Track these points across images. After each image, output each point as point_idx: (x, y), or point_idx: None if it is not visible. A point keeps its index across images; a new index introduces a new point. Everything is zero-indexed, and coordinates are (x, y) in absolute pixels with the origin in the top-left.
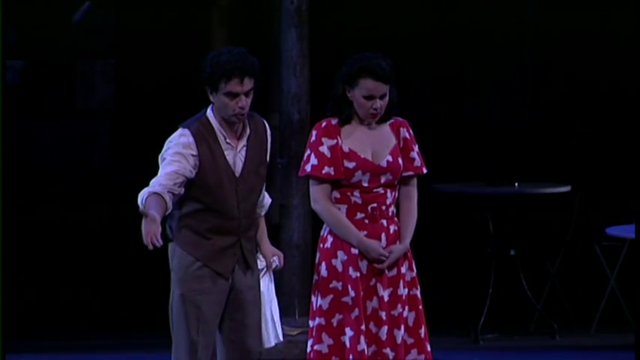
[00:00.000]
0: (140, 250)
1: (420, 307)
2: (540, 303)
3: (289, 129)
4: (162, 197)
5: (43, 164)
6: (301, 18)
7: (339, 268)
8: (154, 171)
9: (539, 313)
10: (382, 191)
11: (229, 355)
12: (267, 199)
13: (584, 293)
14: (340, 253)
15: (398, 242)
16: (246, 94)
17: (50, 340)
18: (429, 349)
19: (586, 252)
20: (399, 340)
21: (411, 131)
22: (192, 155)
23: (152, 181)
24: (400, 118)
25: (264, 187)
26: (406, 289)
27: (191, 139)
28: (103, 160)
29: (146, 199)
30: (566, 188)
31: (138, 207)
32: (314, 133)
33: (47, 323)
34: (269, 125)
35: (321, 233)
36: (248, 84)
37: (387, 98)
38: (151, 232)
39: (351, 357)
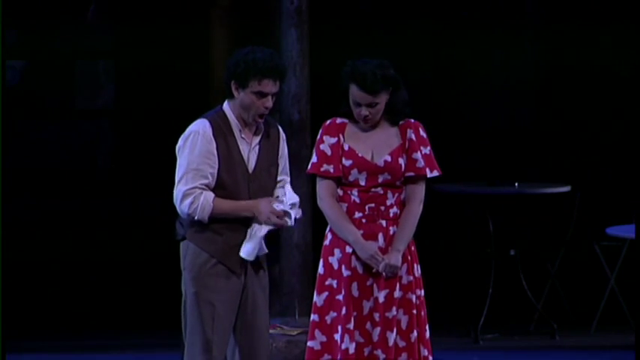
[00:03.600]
0: (140, 249)
1: (414, 311)
2: (540, 303)
3: (289, 129)
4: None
5: (43, 164)
6: (301, 18)
7: (335, 266)
8: (153, 171)
9: (539, 313)
10: (381, 191)
11: (238, 357)
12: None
13: (584, 293)
14: (337, 251)
15: (390, 248)
16: (273, 96)
17: (50, 340)
18: (424, 353)
19: (586, 252)
20: (390, 343)
21: (421, 133)
22: (213, 154)
23: (187, 186)
24: (412, 120)
25: (275, 188)
26: (401, 292)
27: (209, 128)
28: (103, 159)
29: (213, 206)
30: (566, 188)
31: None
32: (320, 131)
33: (47, 323)
34: (283, 132)
35: (326, 230)
36: (278, 86)
37: (378, 106)
38: (272, 212)
39: (339, 356)
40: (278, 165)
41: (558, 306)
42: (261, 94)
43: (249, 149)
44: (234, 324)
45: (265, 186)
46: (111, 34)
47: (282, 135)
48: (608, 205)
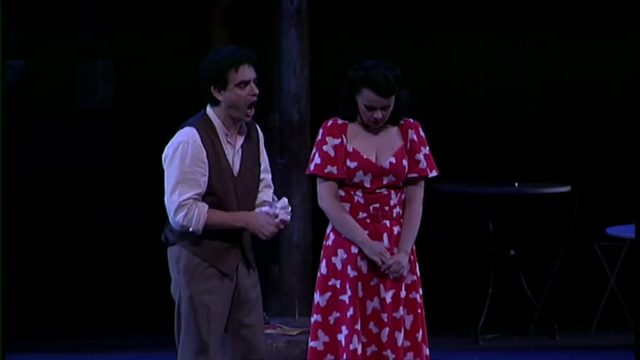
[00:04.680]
0: (140, 249)
1: (419, 310)
2: (540, 303)
3: (289, 129)
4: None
5: (42, 164)
6: (301, 18)
7: (339, 267)
8: (153, 171)
9: (539, 313)
10: (385, 192)
11: (235, 356)
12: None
13: (584, 293)
14: (340, 252)
15: (396, 249)
16: (255, 82)
17: (50, 340)
18: (426, 352)
19: (586, 252)
20: (399, 343)
21: (421, 133)
22: (204, 162)
23: (181, 197)
24: (412, 120)
25: (259, 188)
26: (405, 292)
27: (198, 137)
28: (103, 160)
29: (208, 217)
30: (566, 188)
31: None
32: (320, 131)
33: (47, 323)
34: (259, 126)
35: (326, 231)
36: (254, 71)
37: (390, 108)
38: (266, 225)
39: (344, 356)
40: (260, 164)
41: (558, 306)
42: (244, 83)
43: (233, 152)
44: (229, 324)
45: (250, 187)
46: (111, 34)
47: (261, 134)
48: (608, 205)
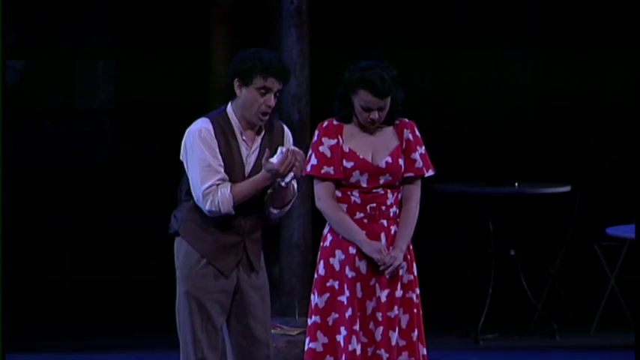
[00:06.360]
0: (140, 249)
1: (415, 310)
2: (540, 303)
3: (289, 129)
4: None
5: (43, 164)
6: (301, 18)
7: (337, 267)
8: (153, 170)
9: (539, 313)
10: (382, 192)
11: (238, 358)
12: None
13: (584, 293)
14: (338, 252)
15: (392, 247)
16: (275, 95)
17: (50, 340)
18: (423, 352)
19: (586, 252)
20: (393, 342)
21: (416, 133)
22: (216, 151)
23: (204, 186)
24: (407, 120)
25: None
26: (401, 291)
27: (211, 127)
28: (103, 159)
29: (232, 196)
30: (566, 188)
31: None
32: (316, 132)
33: (47, 323)
34: (289, 131)
35: (323, 232)
36: (281, 87)
37: (386, 109)
38: (285, 163)
39: (343, 357)
40: None
41: (558, 306)
42: (266, 90)
43: (248, 152)
44: (231, 327)
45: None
46: (111, 34)
47: (288, 136)
48: (608, 205)
